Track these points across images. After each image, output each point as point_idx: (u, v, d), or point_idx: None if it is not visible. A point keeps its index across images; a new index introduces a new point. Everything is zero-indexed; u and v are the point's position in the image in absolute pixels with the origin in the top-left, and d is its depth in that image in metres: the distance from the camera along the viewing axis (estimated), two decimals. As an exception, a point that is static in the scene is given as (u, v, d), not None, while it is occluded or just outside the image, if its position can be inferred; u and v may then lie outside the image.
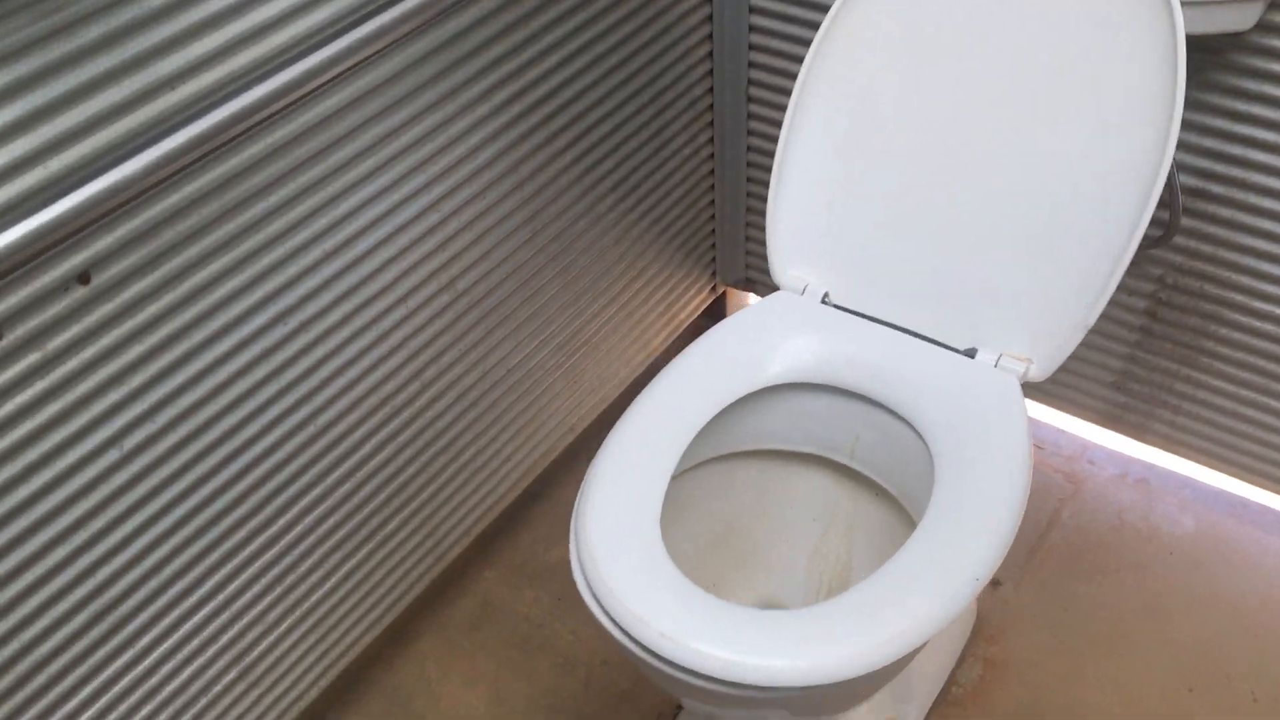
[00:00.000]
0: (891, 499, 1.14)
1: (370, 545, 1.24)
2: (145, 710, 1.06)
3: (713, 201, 1.61)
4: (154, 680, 1.05)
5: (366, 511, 1.21)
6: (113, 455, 0.92)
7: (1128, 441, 1.52)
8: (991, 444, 1.00)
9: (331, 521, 1.17)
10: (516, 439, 1.42)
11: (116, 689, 1.02)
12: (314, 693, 1.26)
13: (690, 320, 1.70)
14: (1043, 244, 1.03)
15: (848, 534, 1.20)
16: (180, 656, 1.07)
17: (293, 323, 1.03)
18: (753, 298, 1.75)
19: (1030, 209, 1.03)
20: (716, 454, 1.12)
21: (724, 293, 1.76)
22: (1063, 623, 1.38)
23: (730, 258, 1.68)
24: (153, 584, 1.01)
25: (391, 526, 1.26)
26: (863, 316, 1.14)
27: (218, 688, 1.13)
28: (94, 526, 0.93)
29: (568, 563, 1.49)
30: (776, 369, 1.10)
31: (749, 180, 1.58)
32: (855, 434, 1.14)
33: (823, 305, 1.14)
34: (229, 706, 1.15)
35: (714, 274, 1.70)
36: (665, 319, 1.63)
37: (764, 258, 1.63)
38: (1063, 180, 1.01)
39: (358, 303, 1.09)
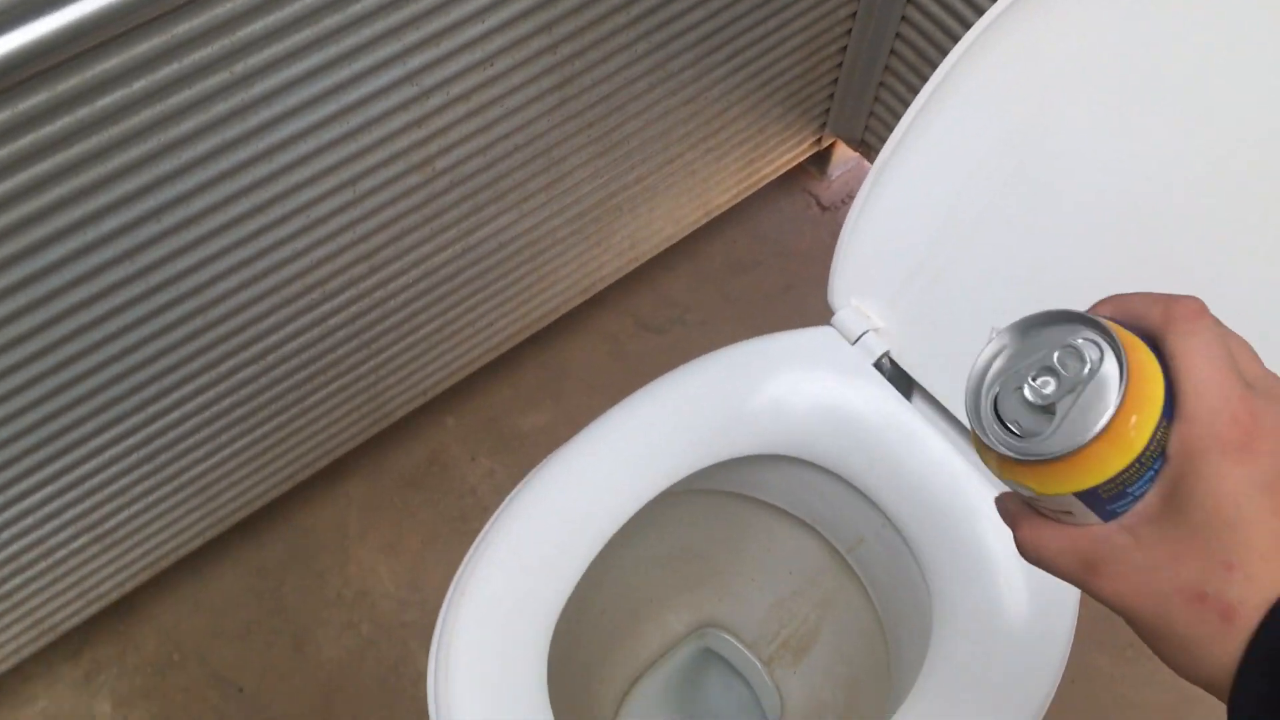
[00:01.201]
0: (878, 615, 0.91)
1: (328, 389, 1.06)
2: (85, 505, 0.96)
3: (844, 49, 1.21)
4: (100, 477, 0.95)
5: (321, 364, 1.03)
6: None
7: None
8: (1016, 653, 0.75)
9: (284, 369, 1.00)
10: (519, 297, 1.16)
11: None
12: (231, 519, 1.13)
13: (775, 175, 1.35)
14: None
15: (822, 606, 0.98)
16: (126, 461, 0.96)
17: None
18: (861, 164, 1.39)
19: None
20: (691, 488, 0.88)
21: (832, 145, 1.39)
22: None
23: (850, 111, 1.30)
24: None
25: (350, 376, 1.07)
26: (926, 401, 0.83)
27: (149, 496, 1.01)
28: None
29: (537, 434, 1.31)
30: (788, 434, 0.82)
31: (898, 37, 1.17)
32: (860, 536, 0.89)
33: (874, 369, 0.83)
34: (157, 515, 1.04)
35: (823, 125, 1.33)
36: (741, 171, 1.29)
37: (888, 122, 1.26)
38: None
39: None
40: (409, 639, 1.19)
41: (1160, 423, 0.36)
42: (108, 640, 1.17)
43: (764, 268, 1.43)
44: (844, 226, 0.81)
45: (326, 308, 0.96)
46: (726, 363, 0.82)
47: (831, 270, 0.84)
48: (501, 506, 0.79)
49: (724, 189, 1.30)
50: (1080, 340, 0.38)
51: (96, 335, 0.81)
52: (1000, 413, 0.39)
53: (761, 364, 0.82)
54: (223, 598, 1.20)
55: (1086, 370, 0.37)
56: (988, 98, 0.74)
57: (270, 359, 0.97)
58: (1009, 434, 0.38)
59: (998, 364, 0.40)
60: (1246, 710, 0.34)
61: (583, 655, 0.96)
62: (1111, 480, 0.36)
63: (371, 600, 1.20)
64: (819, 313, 1.37)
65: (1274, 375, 0.38)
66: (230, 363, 0.94)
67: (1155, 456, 0.36)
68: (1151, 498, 0.37)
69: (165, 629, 1.18)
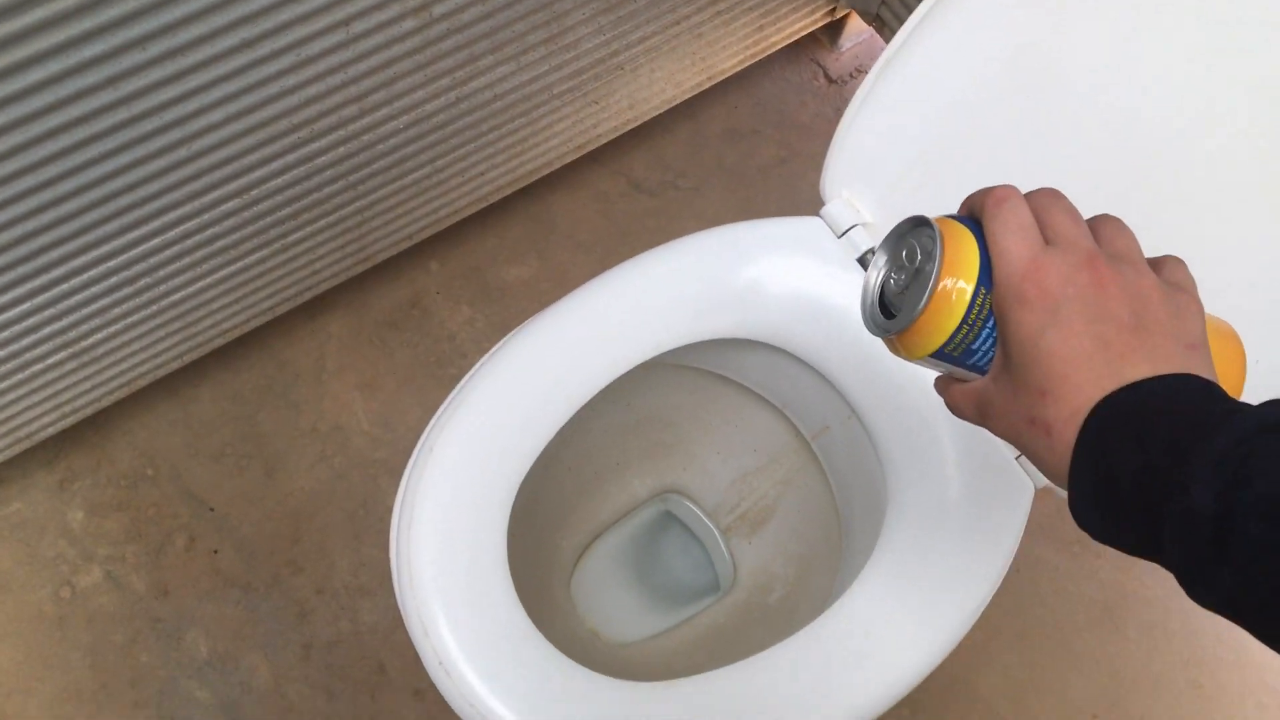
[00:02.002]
0: (834, 500, 0.93)
1: (312, 227, 1.06)
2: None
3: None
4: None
5: (306, 202, 1.02)
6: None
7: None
8: (968, 536, 0.78)
9: (268, 204, 0.99)
10: (511, 150, 1.15)
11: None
12: (210, 345, 1.14)
13: (784, 43, 1.32)
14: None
15: (782, 485, 1.00)
16: (105, 282, 0.95)
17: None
18: (874, 39, 1.35)
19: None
20: (665, 362, 0.89)
21: (846, 16, 1.35)
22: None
23: (868, -17, 1.26)
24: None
25: (335, 216, 1.06)
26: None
27: (128, 317, 1.02)
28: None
29: (520, 286, 1.31)
30: (766, 320, 0.82)
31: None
32: (826, 425, 0.90)
33: (857, 264, 0.83)
34: (135, 336, 1.05)
35: (838, -5, 1.29)
36: (749, 37, 1.26)
37: (907, 4, 1.23)
38: None
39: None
40: (379, 475, 1.21)
41: (979, 289, 0.45)
42: (83, 452, 1.19)
43: (761, 137, 1.41)
44: (844, 116, 0.80)
45: (314, 146, 0.95)
46: (712, 244, 0.82)
47: (826, 160, 0.83)
48: (480, 361, 0.80)
49: (730, 54, 1.27)
50: (917, 237, 0.47)
51: (78, 159, 0.80)
52: (884, 307, 0.49)
53: (747, 248, 0.82)
54: (198, 420, 1.22)
55: (919, 258, 0.47)
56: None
57: (255, 193, 0.96)
58: (889, 320, 0.48)
59: (880, 270, 0.50)
60: (1078, 505, 0.42)
61: (545, 510, 0.99)
62: (951, 340, 0.46)
63: (345, 435, 1.22)
64: (811, 189, 1.36)
65: (1078, 230, 0.45)
66: (214, 194, 0.93)
67: (985, 319, 0.45)
68: (998, 352, 0.46)
69: (140, 445, 1.20)
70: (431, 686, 1.13)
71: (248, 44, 0.79)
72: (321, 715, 1.12)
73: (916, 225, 0.48)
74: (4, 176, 0.77)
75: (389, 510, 1.17)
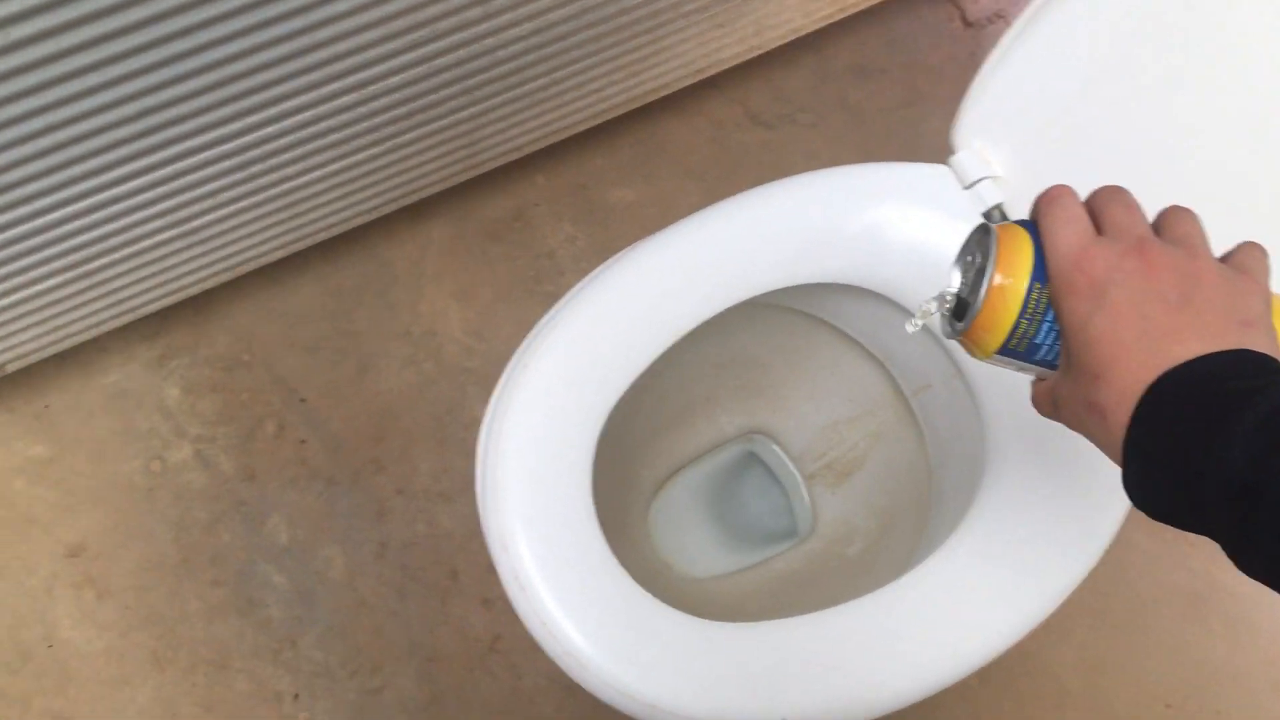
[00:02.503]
0: (928, 459, 0.91)
1: (424, 129, 1.05)
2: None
3: None
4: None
5: (421, 103, 1.01)
6: None
7: None
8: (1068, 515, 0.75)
9: (383, 102, 0.98)
10: (631, 68, 1.12)
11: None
12: (314, 238, 1.15)
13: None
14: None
15: (874, 437, 0.98)
16: (219, 165, 0.96)
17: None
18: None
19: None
20: (767, 302, 0.86)
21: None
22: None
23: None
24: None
25: (448, 120, 1.05)
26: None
27: (238, 202, 1.02)
28: None
29: (624, 209, 1.28)
30: (880, 268, 0.79)
31: None
32: (929, 382, 0.88)
33: (982, 218, 0.80)
34: (243, 221, 1.06)
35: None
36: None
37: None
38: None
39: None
40: (468, 384, 1.22)
41: (1033, 284, 0.48)
42: (183, 330, 1.21)
43: (889, 77, 1.36)
44: (985, 63, 0.76)
45: (434, 47, 0.93)
46: (830, 184, 0.79)
47: (961, 105, 0.79)
48: (582, 282, 0.79)
49: (866, -13, 1.22)
50: (981, 243, 0.51)
51: (201, 38, 0.80)
52: (957, 312, 0.52)
53: (866, 191, 0.79)
54: (296, 311, 1.23)
55: (978, 261, 0.50)
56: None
57: (371, 89, 0.95)
58: (959, 322, 0.51)
59: (953, 278, 0.53)
60: (1132, 483, 0.44)
61: (630, 438, 0.98)
62: (1012, 335, 0.49)
63: (438, 341, 1.23)
64: (935, 136, 1.31)
65: (1131, 219, 0.47)
66: (331, 86, 0.92)
67: (1043, 312, 0.48)
68: (1060, 345, 0.48)
69: (238, 330, 1.22)
70: (500, 597, 1.14)
71: (378, -65, 0.78)
72: (392, 613, 1.14)
73: (981, 233, 0.51)
74: (125, 51, 0.77)
75: (474, 419, 1.18)
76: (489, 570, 1.15)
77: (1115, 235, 0.47)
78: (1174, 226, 0.47)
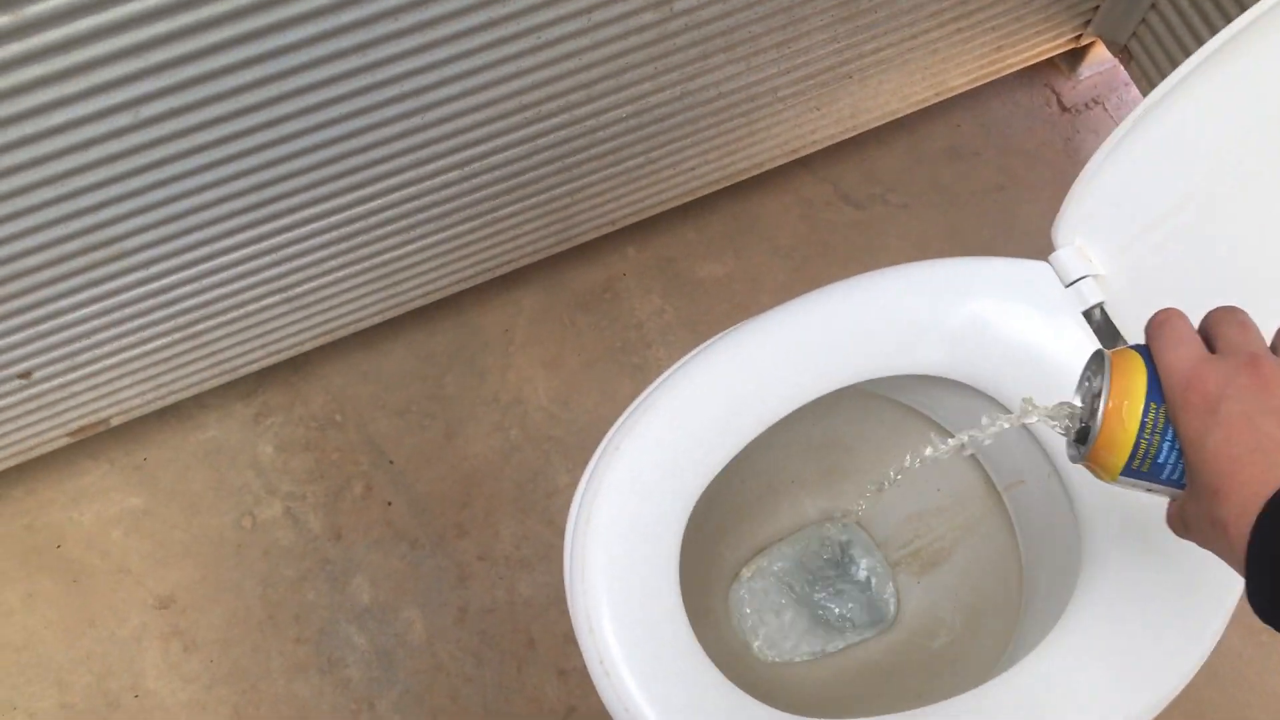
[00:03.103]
0: (1019, 555, 0.89)
1: (522, 204, 1.08)
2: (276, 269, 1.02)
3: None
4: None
5: (521, 180, 1.04)
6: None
7: None
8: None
9: (485, 179, 1.01)
10: (726, 148, 1.14)
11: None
12: (409, 305, 1.18)
13: (1020, 65, 1.26)
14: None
15: (963, 530, 0.97)
16: (325, 236, 1.00)
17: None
18: (1116, 69, 1.28)
19: None
20: (859, 388, 0.86)
21: (1090, 44, 1.29)
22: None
23: (1120, 11, 1.19)
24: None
25: (545, 196, 1.08)
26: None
27: (340, 271, 1.06)
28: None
29: (713, 283, 1.30)
30: (977, 363, 0.79)
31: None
32: (1022, 479, 0.86)
33: (1082, 317, 0.79)
34: (343, 290, 1.10)
35: (1087, 22, 1.22)
36: (986, 57, 1.21)
37: (1158, 34, 1.16)
38: None
39: None
40: (552, 452, 1.23)
41: (1149, 405, 0.50)
42: (280, 390, 1.25)
43: (982, 160, 1.36)
44: (1092, 159, 0.76)
45: (537, 128, 0.96)
46: (931, 276, 0.79)
47: (1065, 201, 0.78)
48: (676, 365, 0.79)
49: (962, 72, 1.22)
50: (1099, 370, 0.53)
51: (319, 117, 0.83)
52: (1081, 438, 0.54)
53: (967, 285, 0.79)
54: (389, 374, 1.25)
55: (1094, 386, 0.53)
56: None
57: (474, 167, 0.97)
58: (1083, 446, 0.53)
59: (1077, 404, 0.55)
60: (1256, 599, 0.44)
61: (715, 518, 0.98)
62: (1134, 456, 0.50)
63: (524, 409, 1.24)
64: (1028, 221, 1.30)
65: (1245, 336, 0.48)
66: (437, 164, 0.95)
67: (1161, 431, 0.50)
68: (1183, 463, 0.49)
69: (333, 391, 1.25)
70: (576, 669, 1.14)
71: (493, 23, 0.80)
72: (468, 679, 1.14)
73: (1097, 359, 0.54)
74: (248, 129, 0.81)
75: (557, 488, 1.19)
76: (566, 640, 1.15)
77: (1228, 352, 0.48)
78: None
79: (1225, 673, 1.17)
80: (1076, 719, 0.71)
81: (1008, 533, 0.91)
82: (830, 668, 0.99)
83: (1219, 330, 0.49)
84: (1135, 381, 0.50)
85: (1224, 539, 0.45)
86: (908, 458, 0.74)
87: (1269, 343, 0.49)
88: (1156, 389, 0.50)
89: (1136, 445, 0.50)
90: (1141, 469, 0.51)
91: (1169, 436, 0.49)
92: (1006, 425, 0.65)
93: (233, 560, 1.18)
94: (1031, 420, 0.60)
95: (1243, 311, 0.50)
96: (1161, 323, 0.50)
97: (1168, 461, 0.50)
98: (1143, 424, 0.50)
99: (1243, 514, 0.44)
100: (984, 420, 0.67)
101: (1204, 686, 1.16)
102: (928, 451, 0.73)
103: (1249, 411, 0.45)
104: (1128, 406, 0.50)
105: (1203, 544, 0.49)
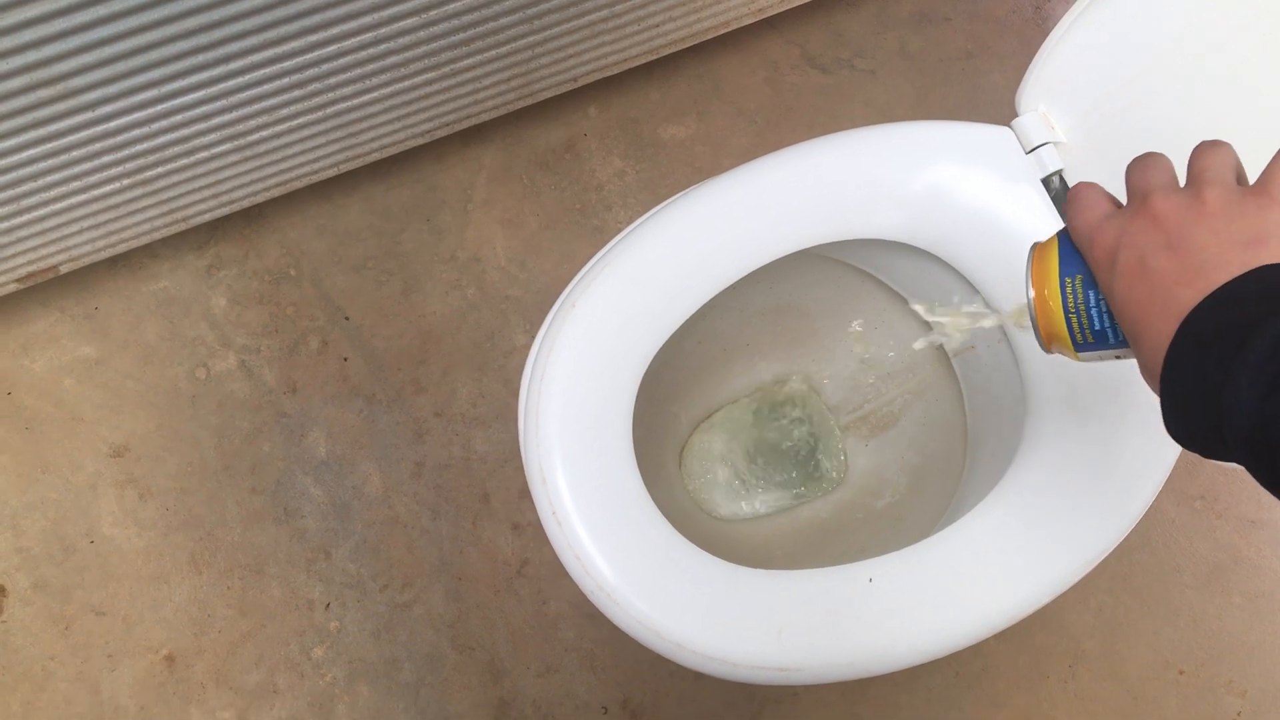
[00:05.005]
0: (965, 420, 0.91)
1: (483, 56, 1.04)
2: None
3: None
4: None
5: (482, 29, 1.00)
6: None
7: None
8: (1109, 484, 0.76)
9: (445, 26, 0.98)
10: (692, 3, 1.11)
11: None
12: (367, 158, 1.15)
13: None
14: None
15: (913, 394, 0.98)
16: (279, 81, 0.97)
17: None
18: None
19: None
20: (816, 252, 0.86)
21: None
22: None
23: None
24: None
25: (507, 49, 1.04)
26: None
27: (295, 119, 1.03)
28: None
29: (675, 145, 1.28)
30: (934, 228, 0.79)
31: None
32: (973, 343, 0.88)
33: (1041, 184, 0.79)
34: (299, 139, 1.07)
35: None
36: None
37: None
38: None
39: None
40: (509, 312, 1.23)
41: (1064, 281, 0.50)
42: (233, 242, 1.23)
43: (951, 26, 1.34)
44: (1057, 26, 0.75)
45: (499, -26, 0.93)
46: (891, 139, 0.78)
47: (1029, 69, 0.78)
48: (634, 224, 0.79)
49: (936, -67, 1.19)
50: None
51: (271, -45, 0.80)
52: None
53: (927, 150, 0.78)
54: (345, 229, 1.24)
55: None
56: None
57: (434, 14, 0.95)
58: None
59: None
60: (1170, 428, 0.44)
61: (669, 379, 0.99)
62: (1074, 333, 0.51)
63: (482, 268, 1.24)
64: (995, 90, 1.29)
65: (1147, 178, 0.47)
66: (395, 9, 0.92)
67: (1084, 301, 0.50)
68: None
69: (288, 244, 1.23)
70: (529, 523, 1.16)
71: None
72: (424, 531, 1.16)
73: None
74: (198, -37, 0.78)
75: (514, 347, 1.19)
76: (520, 496, 1.17)
77: (1130, 201, 0.47)
78: (1193, 164, 0.46)
79: (1157, 537, 1.22)
80: (1010, 576, 0.73)
81: (956, 398, 0.93)
82: (778, 525, 1.01)
83: (1128, 180, 0.48)
84: (1049, 264, 0.51)
85: (1154, 384, 0.45)
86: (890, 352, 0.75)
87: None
88: (1072, 262, 0.50)
89: (1069, 324, 0.50)
90: (1089, 342, 0.51)
91: (1093, 303, 0.50)
92: (989, 324, 0.66)
93: (187, 411, 1.18)
94: (988, 325, 0.62)
95: (1154, 155, 0.48)
96: (1073, 194, 0.50)
97: (1105, 326, 0.50)
98: (1064, 302, 0.50)
99: (1155, 354, 0.44)
100: (961, 310, 0.68)
101: (1137, 549, 1.21)
102: (917, 344, 0.74)
103: (1141, 253, 0.44)
104: (1048, 290, 0.51)
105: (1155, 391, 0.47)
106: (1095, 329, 0.50)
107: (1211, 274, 0.42)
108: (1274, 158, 0.45)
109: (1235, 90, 0.71)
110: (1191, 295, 0.42)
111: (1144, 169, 0.47)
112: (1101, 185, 0.50)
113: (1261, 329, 0.38)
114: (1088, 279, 0.50)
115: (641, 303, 0.75)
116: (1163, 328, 0.43)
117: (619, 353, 0.75)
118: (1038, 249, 0.52)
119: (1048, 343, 0.52)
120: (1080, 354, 0.52)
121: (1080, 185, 0.50)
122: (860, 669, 0.72)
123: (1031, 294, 0.51)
